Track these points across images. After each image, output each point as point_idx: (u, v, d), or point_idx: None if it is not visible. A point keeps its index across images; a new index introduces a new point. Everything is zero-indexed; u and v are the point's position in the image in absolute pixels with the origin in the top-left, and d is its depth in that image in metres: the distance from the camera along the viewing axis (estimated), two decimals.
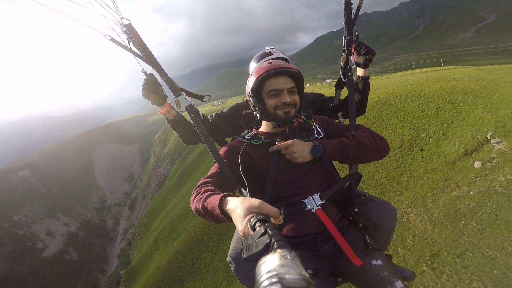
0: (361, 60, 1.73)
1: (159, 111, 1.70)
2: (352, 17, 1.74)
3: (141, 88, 1.59)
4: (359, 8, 1.74)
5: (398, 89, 10.01)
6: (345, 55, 1.77)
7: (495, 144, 5.88)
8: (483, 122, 6.65)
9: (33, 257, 44.15)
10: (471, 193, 5.32)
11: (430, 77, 10.90)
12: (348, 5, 1.71)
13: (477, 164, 5.75)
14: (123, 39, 1.54)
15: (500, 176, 5.20)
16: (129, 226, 44.14)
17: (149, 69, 1.64)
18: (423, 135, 7.63)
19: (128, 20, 1.48)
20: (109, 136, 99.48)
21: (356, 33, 1.77)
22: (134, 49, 1.55)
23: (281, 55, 1.94)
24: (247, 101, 1.74)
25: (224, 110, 1.99)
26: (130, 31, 1.49)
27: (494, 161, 5.58)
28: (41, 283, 40.49)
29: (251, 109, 1.59)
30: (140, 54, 1.55)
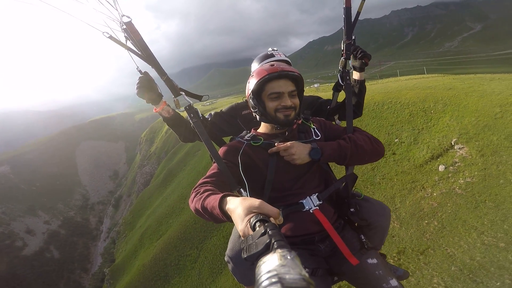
0: (357, 63, 1.79)
1: (155, 109, 1.70)
2: (352, 22, 1.77)
3: (136, 87, 1.57)
4: (358, 13, 1.77)
5: (378, 96, 10.55)
6: (343, 59, 1.79)
7: (458, 150, 6.45)
8: (449, 129, 7.22)
9: (12, 255, 42.80)
10: (434, 194, 5.85)
11: (408, 84, 11.47)
12: (348, 10, 1.73)
13: (441, 168, 6.30)
14: (122, 36, 1.52)
15: (460, 179, 5.75)
16: (113, 225, 43.58)
17: (144, 67, 1.62)
18: (396, 140, 8.16)
19: (129, 18, 1.46)
20: (94, 133, 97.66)
21: (353, 37, 1.81)
22: (132, 47, 1.54)
23: (283, 57, 1.98)
24: (246, 101, 1.77)
25: (223, 109, 2.01)
26: (131, 29, 1.47)
27: (456, 165, 6.14)
28: (21, 281, 39.41)
29: (251, 110, 1.59)
30: (139, 52, 1.52)
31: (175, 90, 1.61)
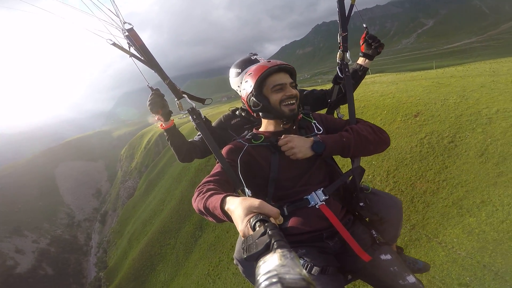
0: (370, 52, 1.82)
1: (162, 126, 1.72)
2: (346, 14, 1.78)
3: (149, 103, 1.62)
4: (352, 5, 1.79)
5: None
6: (341, 52, 1.79)
7: None
8: None
9: (5, 274, 43.80)
10: None
11: None
12: (341, 2, 1.75)
13: None
14: (124, 43, 1.53)
15: None
16: (102, 239, 44.93)
17: (150, 82, 1.65)
18: None
19: (130, 24, 1.47)
20: (71, 154, 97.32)
21: (365, 26, 1.88)
22: (135, 53, 1.56)
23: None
24: (233, 110, 1.95)
25: (212, 124, 1.99)
26: (133, 36, 1.48)
27: None
28: None
29: (250, 110, 1.56)
30: (142, 58, 1.55)
31: (178, 93, 1.66)
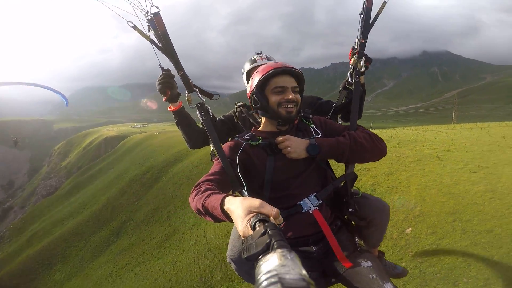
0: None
1: (170, 108, 1.71)
2: (370, 22, 1.76)
3: (158, 82, 1.60)
4: (378, 14, 1.77)
5: None
6: (356, 57, 1.77)
7: None
8: None
9: None
10: None
11: None
12: (368, 10, 1.73)
13: None
14: (145, 26, 1.50)
15: None
16: None
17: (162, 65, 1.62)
18: None
19: (158, 8, 1.44)
20: None
21: (364, 40, 1.80)
22: (154, 39, 1.53)
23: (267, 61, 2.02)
24: (243, 105, 1.95)
25: (226, 114, 2.05)
26: (157, 21, 1.45)
27: None
28: None
29: (252, 107, 1.58)
30: (160, 45, 1.53)
31: (190, 86, 1.66)
